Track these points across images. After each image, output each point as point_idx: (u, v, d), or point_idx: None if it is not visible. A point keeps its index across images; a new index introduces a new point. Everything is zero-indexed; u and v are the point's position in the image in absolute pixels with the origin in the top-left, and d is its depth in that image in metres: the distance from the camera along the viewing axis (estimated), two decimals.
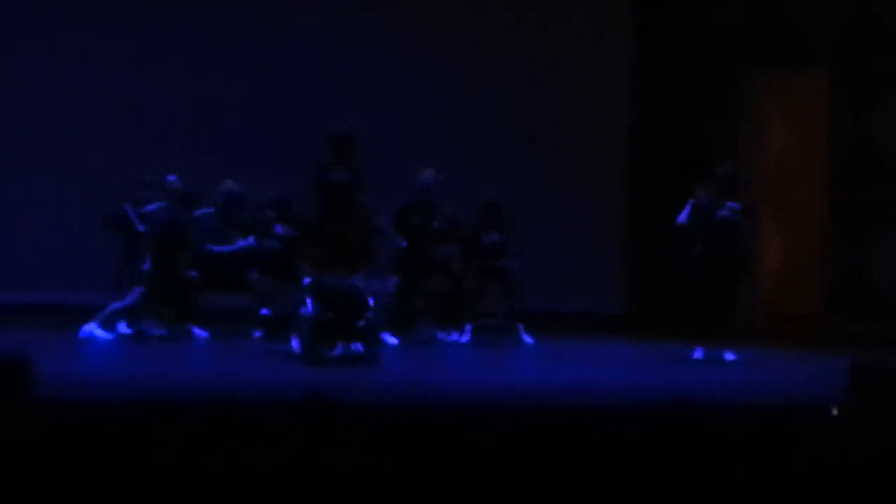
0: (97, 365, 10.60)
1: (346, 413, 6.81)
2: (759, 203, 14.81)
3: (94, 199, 13.19)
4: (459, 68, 15.69)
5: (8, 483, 5.57)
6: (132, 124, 14.68)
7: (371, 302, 10.76)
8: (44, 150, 14.54)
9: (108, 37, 14.79)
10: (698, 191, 12.22)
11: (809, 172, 15.17)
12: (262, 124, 14.96)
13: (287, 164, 13.53)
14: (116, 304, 12.27)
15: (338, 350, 10.49)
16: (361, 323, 10.58)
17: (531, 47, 15.92)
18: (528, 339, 13.49)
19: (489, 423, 6.97)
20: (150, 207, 12.51)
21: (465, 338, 13.33)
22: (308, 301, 10.65)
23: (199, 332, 12.45)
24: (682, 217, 12.21)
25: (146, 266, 12.28)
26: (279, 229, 12.89)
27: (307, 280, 10.82)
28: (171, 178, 12.49)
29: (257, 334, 12.64)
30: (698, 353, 12.00)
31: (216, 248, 12.89)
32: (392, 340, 12.44)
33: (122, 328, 12.49)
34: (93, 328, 12.07)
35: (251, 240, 12.93)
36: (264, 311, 12.66)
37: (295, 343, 10.80)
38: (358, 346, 10.53)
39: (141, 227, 12.51)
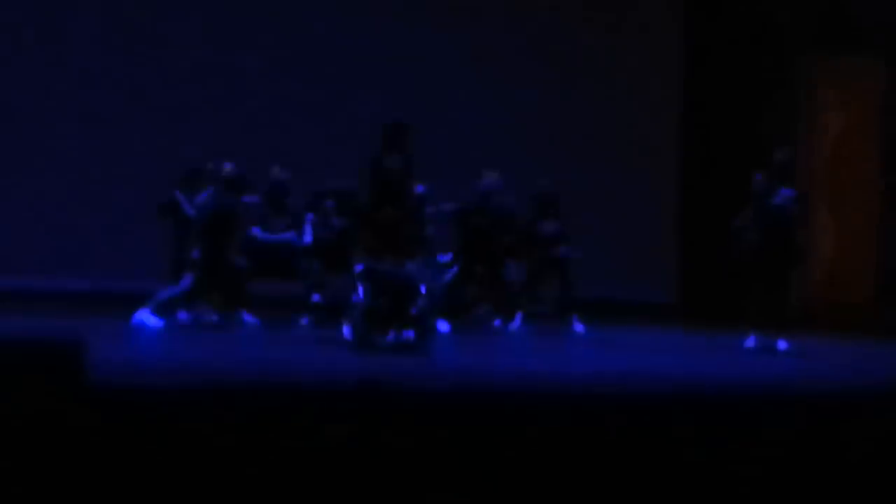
0: (149, 351, 10.63)
1: (399, 401, 6.79)
2: (814, 190, 14.71)
3: (146, 188, 13.27)
4: (515, 61, 15.71)
5: (63, 465, 5.61)
6: (183, 112, 14.75)
7: (423, 289, 10.74)
8: (97, 137, 14.63)
9: (172, 18, 14.89)
10: (755, 176, 12.10)
11: (866, 159, 15.06)
12: (315, 111, 15.01)
13: (339, 153, 13.56)
14: (167, 292, 12.31)
15: (390, 337, 10.48)
16: (413, 310, 10.56)
17: (585, 37, 15.91)
18: (580, 327, 13.47)
19: (540, 411, 6.95)
20: (201, 196, 12.54)
21: (517, 325, 13.35)
22: (360, 288, 10.64)
23: (249, 318, 12.48)
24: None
25: (195, 254, 12.30)
26: (336, 222, 12.91)
27: (360, 267, 10.80)
28: (228, 165, 12.46)
29: (304, 321, 12.67)
30: (751, 342, 11.92)
31: (260, 236, 12.92)
32: (444, 327, 12.47)
33: (181, 315, 12.55)
34: (144, 315, 12.10)
35: (291, 234, 12.96)
36: (315, 297, 12.71)
37: (346, 330, 10.80)
38: (410, 334, 10.51)
39: (191, 212, 12.53)
